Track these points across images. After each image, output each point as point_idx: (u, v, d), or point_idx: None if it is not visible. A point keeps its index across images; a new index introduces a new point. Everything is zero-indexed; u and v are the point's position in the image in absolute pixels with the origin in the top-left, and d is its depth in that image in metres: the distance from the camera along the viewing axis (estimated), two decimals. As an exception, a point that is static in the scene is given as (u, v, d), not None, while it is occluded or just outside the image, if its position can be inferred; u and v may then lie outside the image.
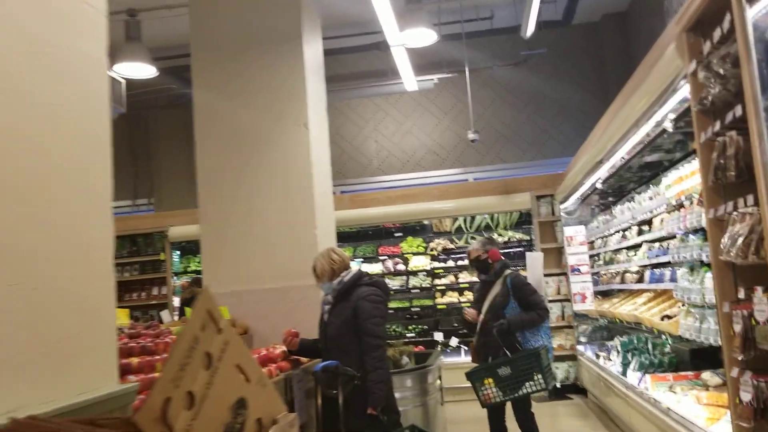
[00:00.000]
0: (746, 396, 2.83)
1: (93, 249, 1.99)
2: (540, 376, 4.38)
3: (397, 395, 4.45)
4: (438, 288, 9.27)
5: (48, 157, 1.81)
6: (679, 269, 4.97)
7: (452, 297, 9.15)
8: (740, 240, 2.70)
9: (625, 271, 7.10)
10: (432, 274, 9.33)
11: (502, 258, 5.01)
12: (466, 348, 8.35)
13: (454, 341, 8.69)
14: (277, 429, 1.71)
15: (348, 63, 10.28)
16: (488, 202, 9.04)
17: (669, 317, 5.28)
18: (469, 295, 8.81)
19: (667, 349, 5.73)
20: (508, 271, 4.90)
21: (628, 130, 4.81)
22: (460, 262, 9.17)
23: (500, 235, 9.41)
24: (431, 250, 9.52)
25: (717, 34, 2.88)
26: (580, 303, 8.08)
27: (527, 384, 4.39)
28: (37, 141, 1.76)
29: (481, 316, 4.86)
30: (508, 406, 4.66)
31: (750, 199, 2.64)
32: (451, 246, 9.47)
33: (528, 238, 9.29)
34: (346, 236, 9.94)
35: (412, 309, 9.27)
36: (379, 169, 10.53)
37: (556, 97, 10.30)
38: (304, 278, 4.31)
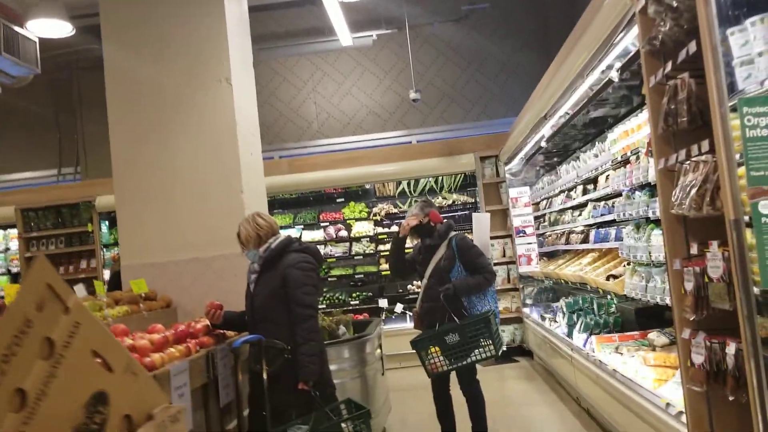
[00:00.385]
0: (698, 358, 2.63)
1: None
2: (490, 342, 4.15)
3: (333, 367, 4.18)
4: (382, 254, 9.01)
5: None
6: (625, 227, 4.83)
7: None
8: (693, 191, 2.47)
9: (570, 232, 6.98)
10: (376, 239, 9.06)
11: (445, 219, 4.72)
12: (410, 314, 8.15)
13: (398, 307, 8.48)
14: (152, 426, 1.37)
15: (283, 20, 9.73)
16: (432, 164, 8.78)
17: (615, 277, 5.17)
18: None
19: (613, 309, 5.63)
20: (453, 233, 4.62)
21: (573, 81, 4.56)
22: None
23: (444, 198, 9.18)
24: (374, 215, 9.22)
25: (669, -37, 2.61)
26: (526, 265, 7.96)
27: (476, 351, 4.15)
28: None
29: (424, 281, 4.58)
30: (453, 373, 4.43)
31: (705, 145, 2.41)
32: (395, 210, 9.20)
33: (473, 200, 9.09)
34: (285, 203, 9.55)
35: (356, 276, 8.99)
36: (318, 132, 10.10)
37: (500, 55, 10.03)
38: (231, 246, 3.97)
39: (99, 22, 4.86)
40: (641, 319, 5.14)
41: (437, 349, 4.17)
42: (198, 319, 3.84)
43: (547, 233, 8.02)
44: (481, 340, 4.15)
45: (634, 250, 4.38)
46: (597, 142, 5.75)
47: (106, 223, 9.16)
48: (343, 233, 9.14)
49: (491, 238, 8.54)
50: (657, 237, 4.09)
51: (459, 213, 9.07)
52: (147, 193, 4.64)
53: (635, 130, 4.62)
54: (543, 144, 6.59)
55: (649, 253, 4.11)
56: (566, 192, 7.05)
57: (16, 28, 5.27)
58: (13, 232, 9.10)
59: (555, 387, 6.40)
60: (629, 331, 4.98)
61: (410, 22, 9.03)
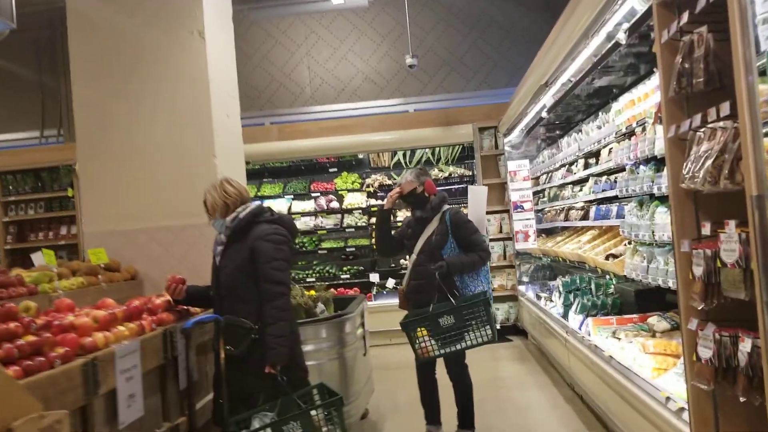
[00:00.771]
0: (706, 353, 2.32)
1: None
2: (488, 326, 3.82)
3: (309, 348, 3.92)
4: (375, 227, 8.68)
5: None
6: (627, 204, 4.52)
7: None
8: (709, 162, 2.14)
9: (570, 208, 6.67)
10: (368, 212, 8.73)
11: (440, 191, 4.38)
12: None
13: (390, 282, 8.20)
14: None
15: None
16: (429, 134, 8.42)
17: (614, 256, 4.87)
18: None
19: (611, 290, 5.35)
20: (446, 206, 4.28)
21: (576, 44, 4.19)
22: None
23: (441, 170, 8.84)
24: (368, 186, 8.88)
25: None
26: (523, 242, 7.66)
27: (471, 336, 3.81)
28: None
29: (413, 257, 4.25)
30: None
31: (725, 107, 2.06)
32: (389, 182, 8.85)
33: (470, 173, 8.75)
34: (275, 171, 9.21)
35: (347, 249, 8.69)
36: (312, 98, 9.68)
37: (503, 21, 9.57)
38: (203, 215, 3.64)
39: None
40: (641, 301, 4.87)
41: (425, 331, 3.85)
42: (160, 294, 3.54)
43: (546, 209, 7.71)
44: (477, 323, 3.83)
45: (636, 228, 4.08)
46: (601, 113, 5.39)
47: (89, 188, 8.83)
48: (335, 204, 8.80)
49: (487, 213, 8.24)
50: (661, 215, 3.79)
51: (456, 186, 8.73)
52: (112, 154, 4.30)
53: (642, 99, 4.28)
54: (544, 114, 6.24)
55: (652, 232, 3.82)
56: (567, 166, 6.72)
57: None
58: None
59: (548, 369, 6.12)
60: (628, 313, 4.71)
61: (409, -18, 8.60)
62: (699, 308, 2.33)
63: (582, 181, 6.22)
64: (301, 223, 8.68)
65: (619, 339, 4.15)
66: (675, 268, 2.57)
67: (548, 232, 7.86)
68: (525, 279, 8.02)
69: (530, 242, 7.59)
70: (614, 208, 5.32)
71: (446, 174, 8.78)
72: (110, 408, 2.59)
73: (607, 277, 5.40)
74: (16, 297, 3.17)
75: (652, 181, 3.95)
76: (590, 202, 6.03)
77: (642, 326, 4.32)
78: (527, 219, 7.66)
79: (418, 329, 3.86)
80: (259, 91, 9.70)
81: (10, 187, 8.49)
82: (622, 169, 4.95)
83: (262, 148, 8.30)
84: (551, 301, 6.33)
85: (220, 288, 3.34)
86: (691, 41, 2.44)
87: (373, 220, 8.67)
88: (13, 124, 9.93)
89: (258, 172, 9.13)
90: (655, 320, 4.22)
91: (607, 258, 4.94)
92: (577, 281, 5.80)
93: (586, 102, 6.25)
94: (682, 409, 2.71)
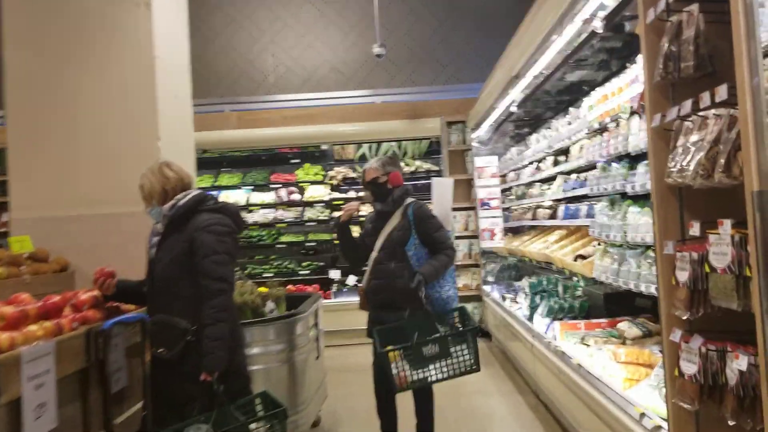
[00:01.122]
0: (690, 368, 2.08)
1: None
2: (473, 355, 3.43)
3: (255, 351, 3.60)
4: (337, 240, 8.37)
5: None
6: (598, 204, 4.31)
7: (353, 231, 8.25)
8: (701, 154, 1.89)
9: (538, 206, 6.46)
10: (331, 205, 8.40)
11: (405, 184, 4.02)
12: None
13: (351, 279, 7.89)
14: None
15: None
16: (395, 126, 8.14)
17: (583, 257, 4.66)
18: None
19: (579, 292, 5.14)
20: (410, 200, 3.94)
21: (550, 31, 3.93)
22: (362, 193, 8.26)
23: (408, 164, 8.56)
24: (330, 178, 8.55)
25: None
26: (489, 240, 7.42)
27: (454, 365, 3.40)
28: None
29: (374, 254, 3.93)
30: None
31: (721, 91, 1.81)
32: (353, 175, 8.54)
33: (437, 168, 8.49)
34: (234, 161, 8.82)
35: (307, 244, 8.35)
36: (275, 86, 9.29)
37: (475, 15, 9.32)
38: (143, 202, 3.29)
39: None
40: (610, 305, 4.69)
41: (396, 354, 3.44)
42: (89, 289, 3.18)
43: (513, 207, 7.50)
44: (462, 352, 3.45)
45: (607, 228, 3.89)
46: (572, 109, 5.18)
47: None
48: (296, 197, 8.45)
49: (453, 210, 8.00)
50: (634, 215, 3.60)
51: (423, 181, 8.43)
52: (45, 131, 3.92)
53: (615, 94, 4.07)
54: (514, 109, 6.00)
55: (624, 233, 3.63)
56: (536, 163, 6.51)
57: None
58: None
59: (512, 374, 5.90)
60: (596, 317, 4.52)
61: (379, -31, 8.27)
62: (684, 318, 2.09)
63: (551, 179, 6.01)
64: (260, 216, 8.32)
65: (588, 346, 3.93)
66: (656, 273, 2.33)
67: (515, 231, 7.65)
68: (490, 279, 7.80)
69: (496, 241, 7.37)
70: (584, 207, 5.12)
71: (413, 169, 8.51)
72: (15, 420, 2.25)
73: (575, 278, 5.20)
74: None
75: (625, 180, 3.76)
76: (559, 200, 5.82)
77: (612, 332, 4.11)
78: (494, 217, 7.44)
79: (393, 353, 3.47)
80: (220, 77, 9.27)
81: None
82: (593, 167, 4.75)
83: (220, 135, 7.94)
84: (516, 302, 6.12)
85: (155, 283, 3.01)
86: (680, 21, 2.20)
87: (336, 213, 8.37)
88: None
89: (216, 161, 8.74)
90: (626, 326, 4.00)
91: (575, 259, 4.73)
92: (544, 282, 5.59)
93: (556, 98, 6.05)
94: (658, 427, 2.48)
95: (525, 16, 4.52)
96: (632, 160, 3.81)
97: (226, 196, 8.36)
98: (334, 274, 8.05)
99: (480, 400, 5.21)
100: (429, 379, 3.40)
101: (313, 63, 9.37)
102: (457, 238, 7.89)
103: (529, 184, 6.75)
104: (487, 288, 7.54)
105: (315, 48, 9.38)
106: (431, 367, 3.39)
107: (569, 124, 5.16)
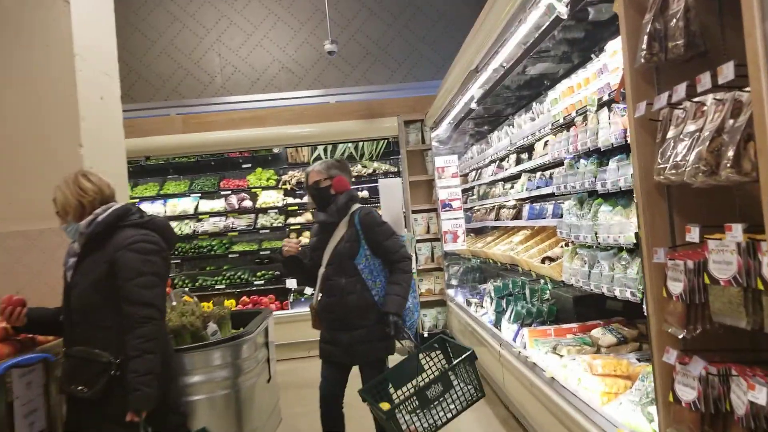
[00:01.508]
0: (688, 394, 1.80)
1: None
2: (476, 382, 3.10)
3: (196, 379, 3.21)
4: (292, 227, 8.00)
5: None
6: (565, 203, 4.07)
7: (309, 238, 7.89)
8: (702, 146, 1.60)
9: (501, 206, 6.21)
10: (285, 211, 8.01)
11: (350, 189, 3.61)
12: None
13: (309, 289, 7.51)
14: None
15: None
16: (351, 127, 7.80)
17: (551, 259, 4.42)
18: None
19: (547, 295, 4.87)
20: (356, 206, 3.54)
21: (512, 18, 3.65)
22: (306, 199, 7.88)
23: (365, 166, 8.24)
24: (284, 183, 8.16)
25: None
26: (452, 242, 7.13)
27: (459, 398, 3.05)
28: None
29: (321, 269, 3.56)
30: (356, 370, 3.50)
31: (727, 70, 1.52)
32: (308, 179, 8.15)
33: (396, 169, 8.19)
34: (181, 167, 8.35)
35: (261, 252, 7.93)
36: (223, 88, 8.84)
37: (430, 9, 9.04)
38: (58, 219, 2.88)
39: None
40: (580, 308, 4.44)
41: (387, 405, 3.04)
42: (-3, 319, 2.76)
43: (476, 207, 7.24)
44: (465, 381, 3.08)
45: (576, 229, 3.64)
46: (535, 104, 4.92)
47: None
48: (248, 203, 8.02)
49: (414, 212, 7.72)
50: (605, 215, 3.36)
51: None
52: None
53: (582, 86, 3.82)
54: (473, 106, 5.73)
55: (595, 233, 3.38)
56: (497, 162, 6.25)
57: None
58: None
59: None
60: (566, 321, 4.26)
61: (328, -37, 7.93)
62: (680, 336, 1.81)
63: (515, 178, 5.76)
64: (210, 224, 7.88)
65: (561, 356, 3.65)
66: (644, 284, 2.04)
67: (477, 232, 7.40)
68: (454, 282, 7.53)
69: (459, 243, 7.09)
70: (549, 206, 4.89)
71: (370, 170, 8.18)
72: None
73: (542, 281, 4.95)
74: None
75: (595, 177, 3.52)
76: (523, 200, 5.58)
77: (584, 339, 3.85)
78: (456, 218, 7.16)
79: (382, 404, 3.07)
80: (164, 80, 8.78)
81: None
82: (559, 164, 4.51)
83: (165, 141, 7.48)
84: (482, 307, 5.85)
85: (72, 312, 2.62)
86: (664, -5, 1.92)
87: (291, 219, 7.99)
88: None
89: (161, 168, 8.26)
90: (599, 333, 3.75)
91: (543, 261, 4.47)
92: (510, 286, 5.32)
93: (517, 93, 5.80)
94: (648, 455, 2.21)
95: (484, 4, 4.24)
96: (601, 155, 3.58)
97: (173, 205, 7.90)
98: (291, 283, 7.66)
99: (447, 415, 4.90)
100: (440, 422, 3.04)
101: (263, 62, 8.95)
102: (419, 241, 7.60)
103: (492, 184, 6.50)
104: (451, 292, 7.27)
105: (264, 47, 8.97)
106: (438, 408, 3.05)
107: (532, 120, 4.91)
